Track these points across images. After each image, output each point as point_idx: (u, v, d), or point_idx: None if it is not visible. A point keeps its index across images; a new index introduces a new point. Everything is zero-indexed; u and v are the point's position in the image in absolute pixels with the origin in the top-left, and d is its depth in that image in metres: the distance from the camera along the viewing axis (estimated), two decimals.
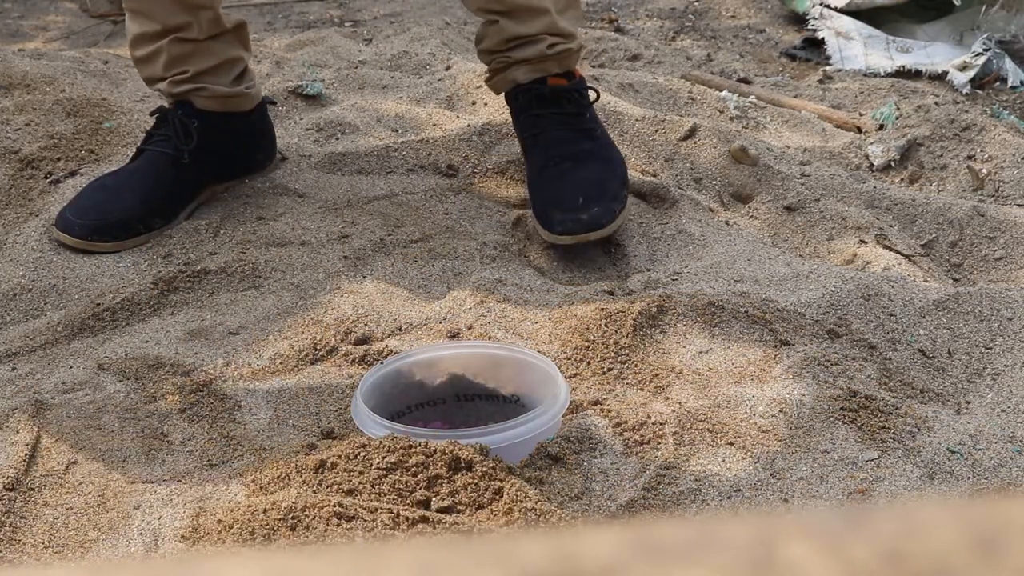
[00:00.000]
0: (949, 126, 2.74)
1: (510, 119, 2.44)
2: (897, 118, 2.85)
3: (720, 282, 2.08)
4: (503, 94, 2.43)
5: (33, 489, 1.64)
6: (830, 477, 1.62)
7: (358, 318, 2.01)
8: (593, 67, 3.29)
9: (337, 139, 2.65)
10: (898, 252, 2.29)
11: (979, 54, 3.30)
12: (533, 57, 2.32)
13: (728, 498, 1.58)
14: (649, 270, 2.17)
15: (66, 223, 2.23)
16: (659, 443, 1.66)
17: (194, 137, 2.31)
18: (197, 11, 2.29)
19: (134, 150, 2.41)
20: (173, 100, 2.35)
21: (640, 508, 1.55)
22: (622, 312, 1.93)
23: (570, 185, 2.22)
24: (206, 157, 2.33)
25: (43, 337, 2.00)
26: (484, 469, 1.56)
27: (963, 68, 3.28)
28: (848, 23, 3.57)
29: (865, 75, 3.33)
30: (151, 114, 2.40)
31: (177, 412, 1.73)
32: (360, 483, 1.54)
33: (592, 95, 2.39)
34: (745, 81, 3.26)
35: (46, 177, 2.45)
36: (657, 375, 1.83)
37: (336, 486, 1.54)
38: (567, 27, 2.32)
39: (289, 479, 1.60)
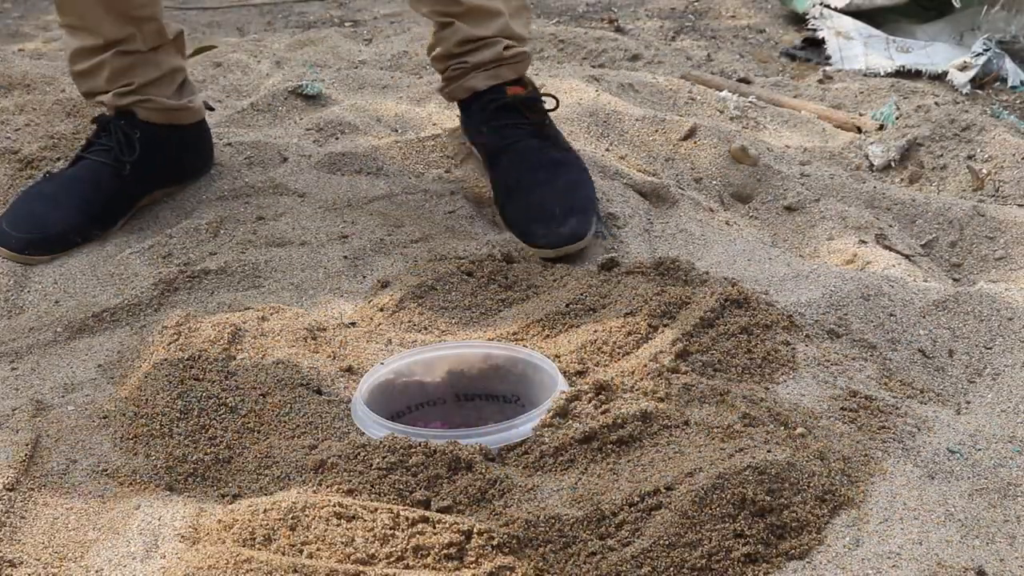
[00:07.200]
0: (949, 126, 2.74)
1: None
2: (897, 118, 2.85)
3: None
4: (457, 102, 2.45)
5: (33, 489, 1.64)
6: None
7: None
8: (593, 67, 3.29)
9: (337, 139, 2.65)
10: (898, 252, 2.29)
11: (979, 54, 3.30)
12: (489, 61, 2.33)
13: None
14: None
15: (3, 235, 2.21)
16: (659, 443, 1.66)
17: (136, 149, 2.29)
18: (141, 23, 2.27)
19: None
20: (115, 110, 2.33)
21: (640, 507, 1.55)
22: None
23: (547, 197, 2.22)
24: (146, 167, 2.31)
25: (43, 337, 2.00)
26: (484, 469, 1.56)
27: (963, 68, 3.28)
28: (848, 23, 3.57)
29: (865, 75, 3.33)
30: (92, 121, 2.38)
31: (178, 411, 1.73)
32: (360, 483, 1.54)
33: (552, 103, 2.40)
34: (745, 81, 3.26)
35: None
36: None
37: (336, 486, 1.54)
38: (519, 31, 2.36)
39: (289, 479, 1.60)
